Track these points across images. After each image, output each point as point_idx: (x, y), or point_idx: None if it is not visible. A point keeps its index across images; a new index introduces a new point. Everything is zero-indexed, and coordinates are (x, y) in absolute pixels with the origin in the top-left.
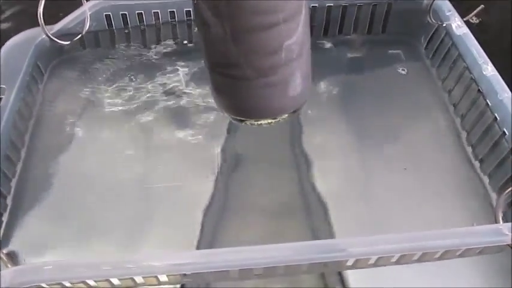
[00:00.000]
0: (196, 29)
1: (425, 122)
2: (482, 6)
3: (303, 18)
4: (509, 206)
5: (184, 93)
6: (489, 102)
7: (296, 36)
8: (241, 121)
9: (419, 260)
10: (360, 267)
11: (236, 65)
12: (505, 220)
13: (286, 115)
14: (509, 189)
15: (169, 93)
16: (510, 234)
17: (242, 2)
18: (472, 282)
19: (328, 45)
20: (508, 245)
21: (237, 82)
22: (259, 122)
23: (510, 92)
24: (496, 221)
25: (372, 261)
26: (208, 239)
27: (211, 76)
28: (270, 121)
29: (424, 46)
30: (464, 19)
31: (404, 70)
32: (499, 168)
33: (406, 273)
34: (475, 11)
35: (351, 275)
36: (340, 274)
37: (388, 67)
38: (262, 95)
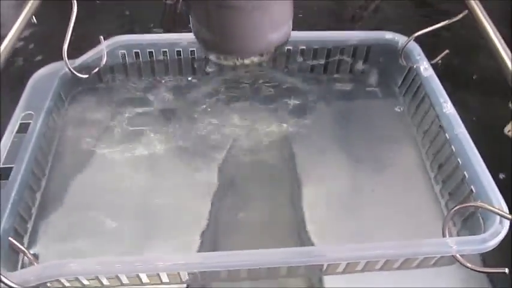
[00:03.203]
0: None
1: (396, 152)
2: (447, 51)
3: None
4: (454, 223)
5: (188, 119)
6: (447, 136)
7: None
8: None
9: (382, 268)
10: (332, 273)
11: None
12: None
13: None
14: (456, 208)
15: (174, 119)
16: (454, 246)
17: None
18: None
19: (315, 82)
20: (453, 256)
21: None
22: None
23: (464, 128)
24: (443, 236)
25: (341, 268)
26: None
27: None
28: (252, 60)
29: (399, 85)
30: (432, 62)
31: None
32: (455, 191)
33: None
34: (440, 55)
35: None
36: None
37: (368, 102)
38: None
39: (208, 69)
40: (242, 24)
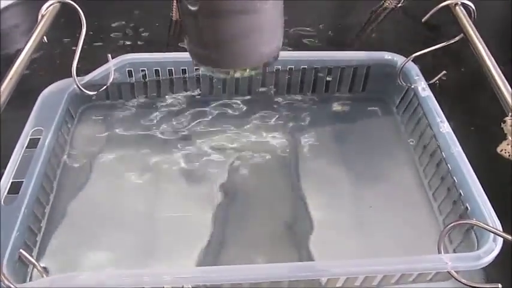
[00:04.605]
0: None
1: (394, 169)
2: (444, 71)
3: None
4: (451, 239)
5: (192, 134)
6: (444, 155)
7: None
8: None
9: (381, 283)
10: (331, 287)
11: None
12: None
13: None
14: (450, 225)
15: (179, 136)
16: (449, 263)
17: None
18: None
19: (316, 100)
20: (448, 272)
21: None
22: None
23: (460, 147)
24: (439, 252)
25: (340, 283)
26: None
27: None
28: (240, 73)
29: (397, 104)
30: (429, 82)
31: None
32: (451, 209)
33: None
34: (438, 76)
35: None
36: None
37: (368, 120)
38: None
39: (212, 87)
40: (233, 37)
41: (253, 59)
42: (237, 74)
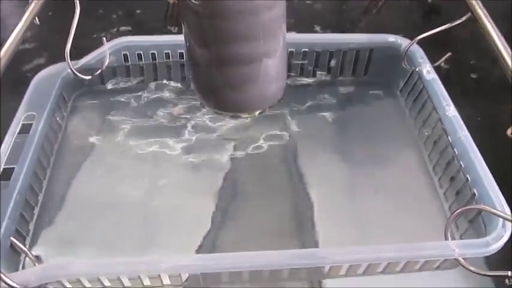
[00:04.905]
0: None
1: (398, 155)
2: (449, 53)
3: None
4: (457, 226)
5: (191, 121)
6: (450, 139)
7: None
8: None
9: (385, 270)
10: (334, 275)
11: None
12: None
13: (258, 112)
14: (457, 211)
15: (176, 122)
16: (457, 249)
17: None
18: None
19: (317, 84)
20: (455, 259)
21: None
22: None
23: (467, 131)
24: (446, 239)
25: (343, 271)
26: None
27: (198, 72)
28: (247, 116)
29: (401, 88)
30: (434, 65)
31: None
32: (458, 194)
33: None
34: (443, 58)
35: None
36: None
37: (370, 105)
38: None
39: None
40: (242, 85)
41: (260, 105)
42: (243, 115)
